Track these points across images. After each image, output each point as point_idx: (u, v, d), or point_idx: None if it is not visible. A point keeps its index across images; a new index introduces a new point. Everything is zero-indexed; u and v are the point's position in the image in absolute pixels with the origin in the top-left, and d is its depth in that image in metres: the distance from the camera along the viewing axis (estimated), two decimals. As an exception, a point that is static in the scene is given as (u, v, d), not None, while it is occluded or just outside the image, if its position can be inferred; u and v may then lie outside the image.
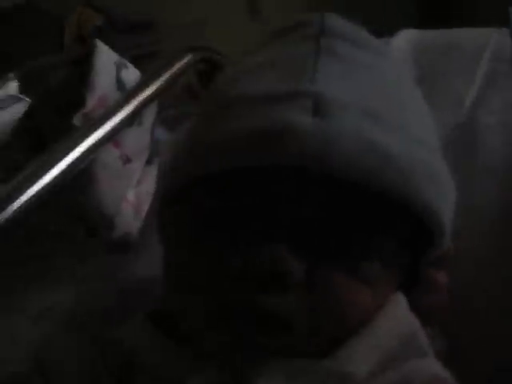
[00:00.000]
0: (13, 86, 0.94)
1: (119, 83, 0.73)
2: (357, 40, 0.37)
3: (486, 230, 0.43)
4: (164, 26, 1.51)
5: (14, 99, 0.88)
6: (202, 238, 0.35)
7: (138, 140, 0.71)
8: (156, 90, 0.67)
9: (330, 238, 0.33)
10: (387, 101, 0.35)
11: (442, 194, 0.36)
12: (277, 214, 0.32)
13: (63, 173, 0.56)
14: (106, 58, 0.72)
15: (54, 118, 0.73)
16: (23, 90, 0.91)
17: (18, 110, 0.81)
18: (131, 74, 0.73)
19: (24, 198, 0.52)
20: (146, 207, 0.66)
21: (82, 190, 0.65)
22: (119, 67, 0.73)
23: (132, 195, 0.69)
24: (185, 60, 0.70)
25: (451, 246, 0.38)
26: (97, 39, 0.72)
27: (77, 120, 0.69)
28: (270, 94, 0.33)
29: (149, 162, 0.72)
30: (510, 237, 0.42)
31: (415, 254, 0.37)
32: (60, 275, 0.57)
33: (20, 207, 0.51)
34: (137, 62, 0.77)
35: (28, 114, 0.77)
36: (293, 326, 0.32)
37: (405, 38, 0.57)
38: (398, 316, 0.34)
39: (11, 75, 0.97)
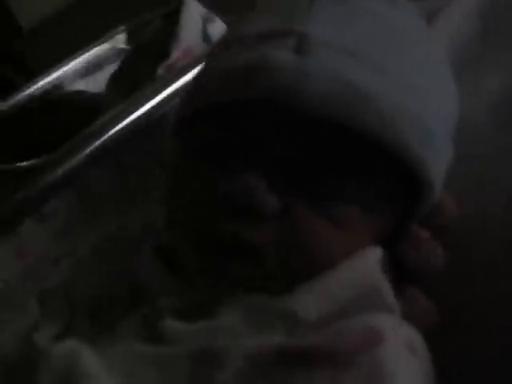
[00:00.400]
0: (121, 39, 1.01)
1: (205, 36, 0.75)
2: None
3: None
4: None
5: (118, 55, 0.94)
6: (194, 166, 0.37)
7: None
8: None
9: (305, 176, 0.34)
10: (382, 46, 0.35)
11: (430, 146, 0.35)
12: (256, 150, 0.34)
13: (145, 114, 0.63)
14: (193, 11, 0.74)
15: (145, 68, 0.78)
16: (130, 42, 0.97)
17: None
18: (217, 28, 0.75)
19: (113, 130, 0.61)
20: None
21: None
22: (206, 21, 0.75)
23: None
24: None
25: (444, 203, 0.37)
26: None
27: (161, 70, 0.72)
28: (260, 33, 0.35)
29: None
30: None
31: (404, 208, 0.36)
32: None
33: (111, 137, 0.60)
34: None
35: (124, 64, 0.82)
36: (264, 256, 0.33)
37: None
38: (360, 268, 0.34)
39: (121, 28, 1.04)
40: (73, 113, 0.91)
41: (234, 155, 0.34)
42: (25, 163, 0.67)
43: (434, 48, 0.39)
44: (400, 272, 0.36)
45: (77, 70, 1.02)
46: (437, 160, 0.36)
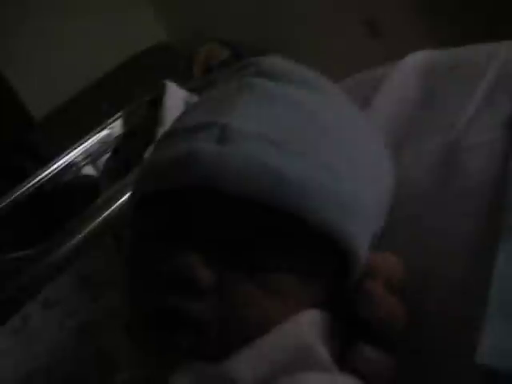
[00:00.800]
0: (118, 124, 1.07)
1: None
2: (287, 79, 0.42)
3: (464, 257, 0.42)
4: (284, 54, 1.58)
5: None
6: (140, 246, 0.41)
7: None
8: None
9: (238, 251, 0.37)
10: (299, 132, 0.39)
11: (349, 219, 0.38)
12: (192, 230, 0.38)
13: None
14: (174, 96, 0.80)
15: (135, 152, 0.83)
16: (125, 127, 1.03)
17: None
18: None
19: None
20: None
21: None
22: (188, 103, 0.80)
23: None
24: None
25: (376, 260, 0.39)
26: (167, 80, 0.80)
27: (148, 154, 0.77)
28: (188, 126, 0.40)
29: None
30: (483, 261, 0.41)
31: (336, 272, 0.39)
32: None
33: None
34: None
35: (116, 150, 0.88)
36: (205, 327, 0.36)
37: (413, 60, 0.57)
38: (291, 331, 0.36)
39: (118, 114, 1.10)
40: (83, 195, 0.97)
41: (173, 235, 0.38)
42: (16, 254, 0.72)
43: (359, 127, 0.44)
44: (356, 332, 0.38)
45: (84, 155, 1.08)
46: (358, 229, 0.39)
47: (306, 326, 0.37)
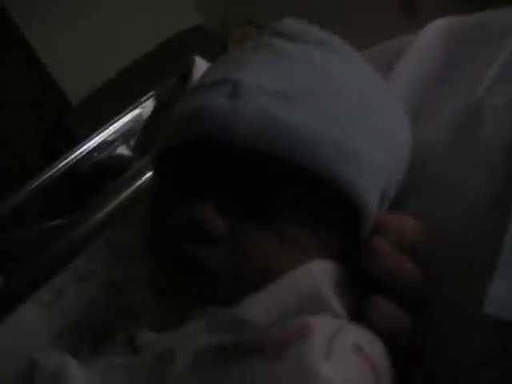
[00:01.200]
0: (149, 104, 1.08)
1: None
2: (303, 39, 0.42)
3: (478, 217, 0.41)
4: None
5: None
6: (159, 197, 0.43)
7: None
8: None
9: (249, 202, 0.38)
10: (311, 87, 0.40)
11: (361, 173, 0.39)
12: (206, 181, 0.39)
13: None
14: (203, 70, 0.80)
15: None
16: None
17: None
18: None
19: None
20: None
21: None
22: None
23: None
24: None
25: (384, 217, 0.40)
26: (196, 56, 0.81)
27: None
28: (206, 83, 0.42)
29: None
30: (497, 222, 0.40)
31: (348, 226, 0.40)
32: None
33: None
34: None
35: (146, 127, 0.89)
36: (217, 274, 0.37)
37: (436, 26, 0.57)
38: (302, 277, 0.37)
39: (150, 93, 1.11)
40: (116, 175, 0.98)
41: (189, 186, 0.40)
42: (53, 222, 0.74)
43: (375, 89, 0.44)
44: (372, 285, 0.38)
45: (117, 136, 1.10)
46: (368, 184, 0.39)
47: (318, 273, 0.38)
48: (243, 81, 0.39)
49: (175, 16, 1.81)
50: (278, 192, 0.38)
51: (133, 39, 1.72)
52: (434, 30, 0.56)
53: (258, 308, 0.36)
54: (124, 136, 1.09)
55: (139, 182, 0.80)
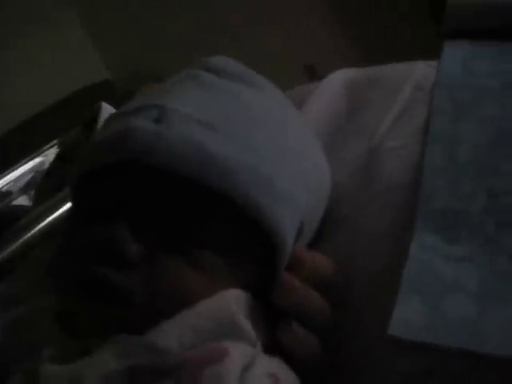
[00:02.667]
0: (52, 152, 1.05)
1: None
2: (229, 74, 0.44)
3: (381, 255, 0.43)
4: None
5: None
6: (78, 219, 0.42)
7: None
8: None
9: (167, 227, 0.38)
10: (234, 118, 0.41)
11: (276, 202, 0.40)
12: (126, 203, 0.39)
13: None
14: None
15: (68, 174, 0.82)
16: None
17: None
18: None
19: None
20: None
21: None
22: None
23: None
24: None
25: (301, 253, 0.40)
26: (102, 102, 0.81)
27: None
28: (131, 108, 0.42)
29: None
30: (401, 255, 0.42)
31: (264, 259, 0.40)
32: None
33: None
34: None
35: (48, 176, 0.87)
36: (131, 299, 0.36)
37: (341, 75, 0.60)
38: (216, 304, 0.37)
39: (54, 142, 1.09)
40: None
41: (106, 209, 0.39)
42: None
43: (292, 123, 0.46)
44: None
45: (15, 186, 1.05)
46: (283, 213, 0.40)
47: (233, 301, 0.38)
48: (168, 107, 0.40)
49: (83, 70, 1.80)
50: (195, 218, 0.38)
51: (39, 92, 1.69)
52: (336, 78, 0.60)
53: (172, 334, 0.35)
54: (24, 186, 1.05)
55: (37, 228, 0.76)
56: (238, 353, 0.34)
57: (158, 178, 0.38)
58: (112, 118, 0.44)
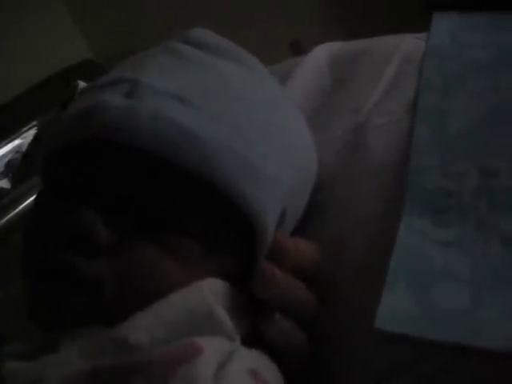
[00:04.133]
0: (31, 134, 1.02)
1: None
2: (210, 47, 0.41)
3: (368, 235, 0.41)
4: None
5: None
6: (43, 202, 0.39)
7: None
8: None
9: (138, 209, 0.36)
10: (211, 93, 0.38)
11: (257, 185, 0.37)
12: (93, 186, 0.36)
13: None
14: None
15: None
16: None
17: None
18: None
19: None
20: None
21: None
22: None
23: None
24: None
25: (284, 242, 0.38)
26: (79, 80, 0.78)
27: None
28: (103, 82, 0.39)
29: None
30: (386, 240, 0.40)
31: (243, 245, 0.37)
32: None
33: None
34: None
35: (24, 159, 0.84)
36: (99, 288, 0.34)
37: (325, 49, 0.57)
38: (191, 294, 0.35)
39: (33, 123, 1.06)
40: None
41: (75, 191, 0.36)
42: None
43: (276, 101, 0.42)
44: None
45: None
46: (264, 196, 0.37)
47: (210, 292, 0.35)
48: (141, 81, 0.37)
49: (64, 49, 1.76)
50: (169, 200, 0.36)
51: (18, 72, 1.65)
52: (321, 51, 0.57)
53: (143, 327, 0.33)
54: (4, 169, 1.02)
55: (16, 211, 0.74)
56: (212, 349, 0.31)
57: (129, 156, 0.35)
58: (82, 92, 0.41)
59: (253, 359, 0.34)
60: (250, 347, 0.35)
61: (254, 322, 0.36)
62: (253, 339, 0.36)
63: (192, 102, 0.36)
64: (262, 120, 0.39)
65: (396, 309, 0.33)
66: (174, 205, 0.36)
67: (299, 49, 1.59)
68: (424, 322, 0.33)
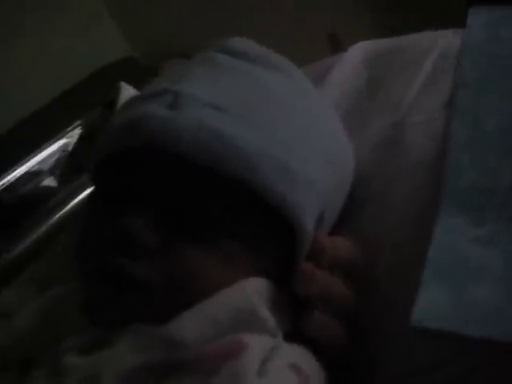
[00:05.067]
0: (76, 133, 1.05)
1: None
2: (248, 56, 0.43)
3: (406, 232, 0.42)
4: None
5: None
6: (94, 208, 0.41)
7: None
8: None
9: (184, 215, 0.37)
10: (251, 102, 0.40)
11: (297, 189, 0.38)
12: (140, 192, 0.38)
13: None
14: (128, 96, 0.79)
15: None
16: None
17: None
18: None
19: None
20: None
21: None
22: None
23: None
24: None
25: (321, 241, 0.39)
26: (122, 82, 0.80)
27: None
28: (147, 94, 0.41)
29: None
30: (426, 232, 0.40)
31: (284, 246, 0.39)
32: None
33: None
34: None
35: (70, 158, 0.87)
36: (148, 289, 0.36)
37: (361, 48, 0.58)
38: (236, 294, 0.36)
39: (77, 123, 1.09)
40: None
41: (123, 197, 0.38)
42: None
43: (315, 107, 0.44)
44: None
45: (41, 167, 1.06)
46: (303, 201, 0.39)
47: (253, 291, 0.37)
48: (183, 92, 0.39)
49: (105, 47, 1.79)
50: (213, 205, 0.37)
51: (60, 70, 1.68)
52: (358, 50, 0.57)
53: (190, 325, 0.35)
54: (51, 167, 1.06)
55: (63, 211, 0.77)
56: (256, 345, 0.33)
57: (173, 164, 0.37)
58: (128, 103, 0.43)
59: (295, 355, 0.35)
60: (291, 344, 0.36)
61: (294, 320, 0.38)
62: (294, 337, 0.37)
63: (232, 111, 0.38)
64: (301, 126, 0.41)
65: (432, 305, 0.34)
66: (216, 209, 0.38)
67: (337, 41, 1.58)
68: (459, 318, 0.34)
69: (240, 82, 0.41)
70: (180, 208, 0.38)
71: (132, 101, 0.43)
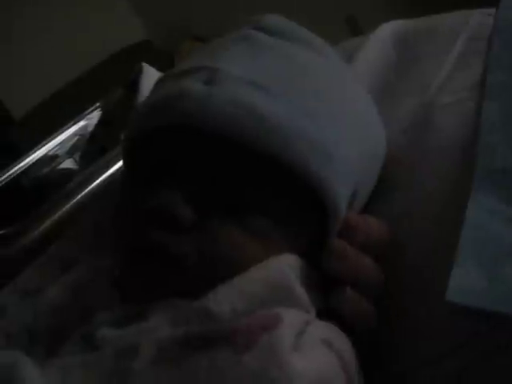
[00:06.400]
0: (96, 115, 1.05)
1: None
2: (283, 34, 0.43)
3: (437, 212, 0.42)
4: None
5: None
6: (130, 184, 0.42)
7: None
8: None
9: (219, 191, 0.38)
10: (286, 79, 0.40)
11: (330, 168, 0.38)
12: (176, 168, 0.38)
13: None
14: (151, 79, 0.78)
15: (112, 139, 0.82)
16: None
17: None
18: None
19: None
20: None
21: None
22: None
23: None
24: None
25: (354, 219, 0.39)
26: (144, 63, 0.80)
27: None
28: (183, 70, 0.41)
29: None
30: (456, 213, 0.40)
31: (315, 223, 0.39)
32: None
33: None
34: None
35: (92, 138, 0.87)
36: (184, 263, 0.36)
37: (389, 28, 0.57)
38: (271, 270, 0.37)
39: (96, 105, 1.09)
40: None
41: (158, 174, 0.39)
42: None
43: (348, 85, 0.44)
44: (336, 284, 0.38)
45: (61, 150, 1.06)
46: (337, 179, 0.39)
47: (286, 267, 0.37)
48: (220, 69, 0.39)
49: (121, 31, 1.79)
50: (247, 182, 0.38)
51: (78, 54, 1.69)
52: (385, 30, 0.57)
53: (225, 299, 0.35)
54: (70, 149, 1.06)
55: (83, 193, 0.77)
56: (291, 319, 0.33)
57: (208, 141, 0.37)
58: (162, 79, 0.43)
59: (327, 330, 0.35)
60: (323, 320, 0.36)
61: (325, 297, 0.38)
62: (325, 314, 0.37)
63: (268, 88, 0.38)
64: (335, 104, 0.41)
65: (466, 283, 0.34)
66: (251, 186, 0.38)
67: (355, 24, 1.57)
68: (493, 295, 0.34)
69: (276, 59, 0.41)
70: (214, 184, 0.38)
71: (166, 77, 0.43)
